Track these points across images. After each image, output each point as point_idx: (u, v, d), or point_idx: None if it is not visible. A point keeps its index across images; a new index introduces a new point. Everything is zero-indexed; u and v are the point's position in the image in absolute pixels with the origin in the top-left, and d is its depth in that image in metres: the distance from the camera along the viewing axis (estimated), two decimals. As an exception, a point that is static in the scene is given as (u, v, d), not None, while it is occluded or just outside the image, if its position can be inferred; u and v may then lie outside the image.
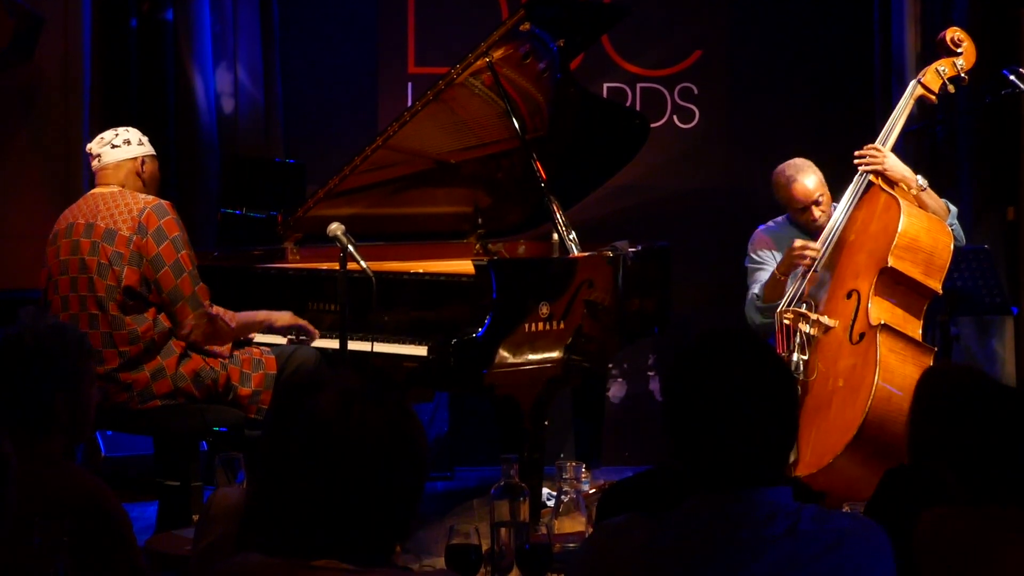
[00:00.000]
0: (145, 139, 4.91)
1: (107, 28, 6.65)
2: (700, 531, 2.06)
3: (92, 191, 4.86)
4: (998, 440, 2.73)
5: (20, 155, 6.47)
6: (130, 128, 4.92)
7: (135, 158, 4.84)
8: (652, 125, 6.10)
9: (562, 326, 4.82)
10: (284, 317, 5.03)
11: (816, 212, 5.45)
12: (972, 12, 6.55)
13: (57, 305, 4.70)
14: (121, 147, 4.83)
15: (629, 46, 7.24)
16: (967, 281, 5.60)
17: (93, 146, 4.87)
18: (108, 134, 4.87)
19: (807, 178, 5.47)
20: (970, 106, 6.37)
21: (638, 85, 7.30)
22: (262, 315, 5.00)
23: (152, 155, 4.91)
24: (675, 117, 7.29)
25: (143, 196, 4.75)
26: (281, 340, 5.08)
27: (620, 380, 6.99)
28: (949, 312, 5.73)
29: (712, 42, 7.32)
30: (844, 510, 3.18)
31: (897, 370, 4.74)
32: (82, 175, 6.42)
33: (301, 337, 5.07)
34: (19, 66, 6.32)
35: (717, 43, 7.33)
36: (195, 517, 3.67)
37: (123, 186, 4.79)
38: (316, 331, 5.09)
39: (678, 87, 7.29)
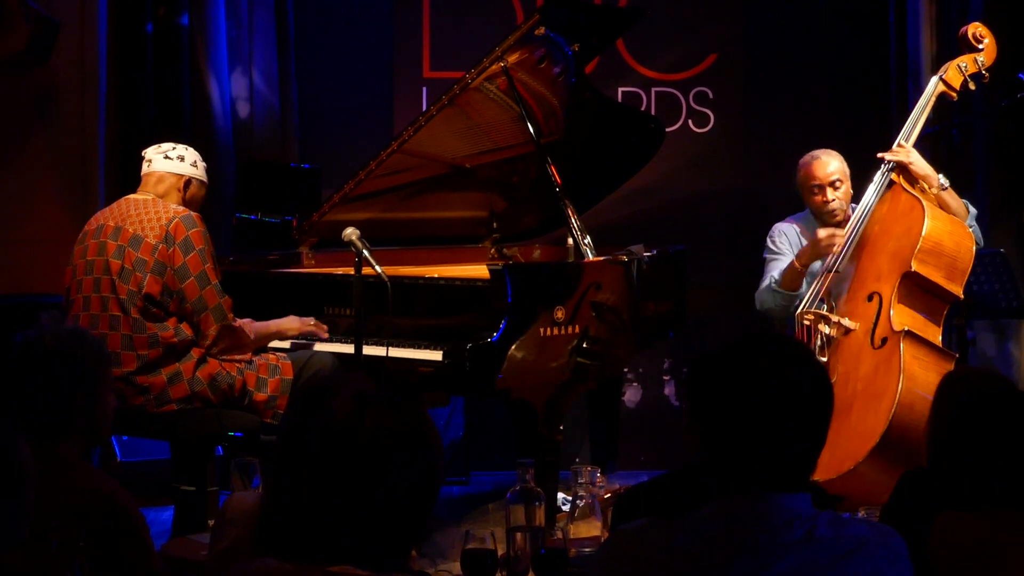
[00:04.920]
0: (201, 164, 4.95)
1: (123, 33, 6.67)
2: (718, 536, 2.06)
3: (127, 196, 4.90)
4: (1016, 445, 2.73)
5: (36, 159, 6.49)
6: (190, 148, 4.95)
7: (180, 175, 4.87)
8: (667, 129, 6.10)
9: (578, 330, 4.81)
10: (293, 326, 5.06)
11: (831, 194, 5.43)
12: (988, 14, 6.53)
13: (78, 304, 4.72)
14: (173, 161, 4.87)
15: (644, 50, 7.24)
16: (983, 285, 5.58)
17: (149, 150, 4.92)
18: (167, 145, 4.92)
19: (830, 159, 5.48)
20: (987, 109, 6.35)
21: (653, 89, 7.30)
22: (274, 326, 5.03)
23: (201, 181, 4.94)
24: (690, 121, 7.29)
25: (174, 206, 4.78)
26: (285, 344, 5.10)
27: (635, 384, 6.99)
28: (966, 316, 5.71)
29: (727, 46, 7.32)
30: (860, 515, 3.17)
31: (920, 378, 4.69)
32: (99, 179, 6.44)
33: (305, 340, 5.10)
34: (35, 70, 6.34)
35: (732, 47, 7.32)
36: (211, 522, 3.69)
37: (160, 197, 4.82)
38: (324, 327, 5.10)
39: (693, 91, 7.28)
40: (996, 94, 6.00)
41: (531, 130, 5.26)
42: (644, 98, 7.27)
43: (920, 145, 6.22)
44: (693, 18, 7.31)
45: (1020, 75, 5.40)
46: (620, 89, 7.24)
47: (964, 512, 2.69)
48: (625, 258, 5.13)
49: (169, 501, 5.18)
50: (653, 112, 7.14)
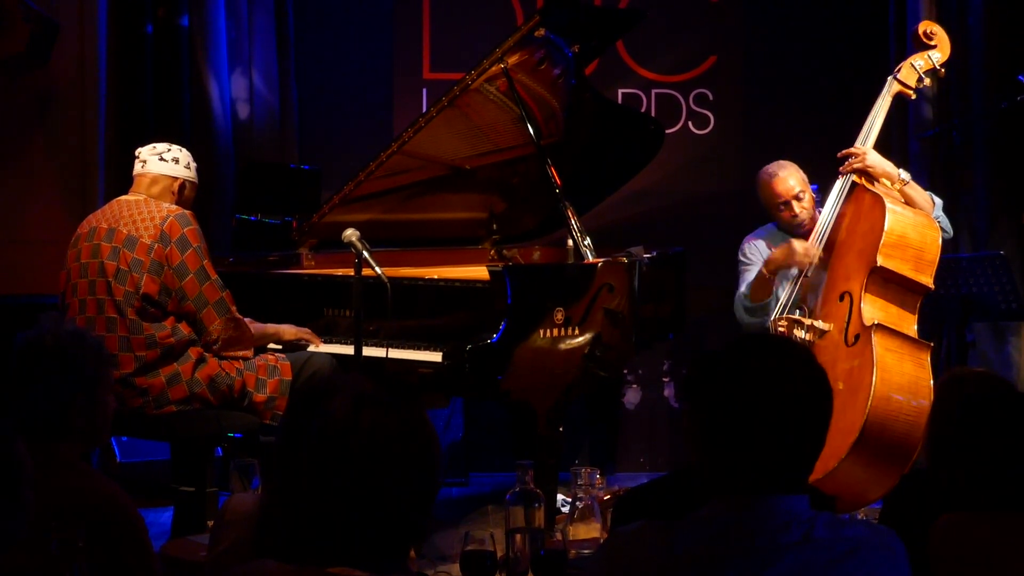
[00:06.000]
0: (193, 165, 4.95)
1: (123, 33, 6.67)
2: (716, 538, 2.06)
3: (118, 198, 4.90)
4: (1015, 446, 2.73)
5: (36, 160, 6.48)
6: (183, 149, 4.95)
7: (175, 178, 4.88)
8: (667, 131, 6.10)
9: (577, 332, 4.81)
10: (290, 331, 5.07)
11: (796, 207, 5.49)
12: (988, 16, 6.53)
13: (75, 308, 4.72)
14: (167, 163, 4.87)
15: (644, 52, 7.24)
16: (983, 287, 5.59)
17: (144, 150, 4.92)
18: (161, 146, 4.92)
19: (789, 174, 5.54)
20: (986, 111, 6.35)
21: (653, 91, 7.30)
22: (272, 329, 5.04)
23: (194, 183, 4.95)
24: (690, 123, 7.28)
25: (166, 205, 4.78)
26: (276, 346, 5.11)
27: (635, 386, 6.98)
28: (965, 318, 5.72)
29: (727, 48, 7.31)
30: (859, 516, 3.18)
31: (895, 368, 4.74)
32: (98, 180, 6.44)
33: (300, 344, 5.10)
34: (35, 71, 6.34)
35: (732, 49, 7.32)
36: (210, 523, 3.69)
37: (153, 198, 4.82)
38: (318, 340, 5.12)
39: (693, 93, 7.28)
40: (996, 96, 6.00)
41: (531, 131, 5.26)
42: (644, 100, 7.27)
43: (920, 147, 6.24)
44: (693, 20, 7.31)
45: (1020, 77, 5.40)
46: (620, 91, 7.24)
47: (964, 514, 2.69)
48: (626, 260, 5.13)
49: (168, 502, 5.18)
50: (653, 114, 7.14)
